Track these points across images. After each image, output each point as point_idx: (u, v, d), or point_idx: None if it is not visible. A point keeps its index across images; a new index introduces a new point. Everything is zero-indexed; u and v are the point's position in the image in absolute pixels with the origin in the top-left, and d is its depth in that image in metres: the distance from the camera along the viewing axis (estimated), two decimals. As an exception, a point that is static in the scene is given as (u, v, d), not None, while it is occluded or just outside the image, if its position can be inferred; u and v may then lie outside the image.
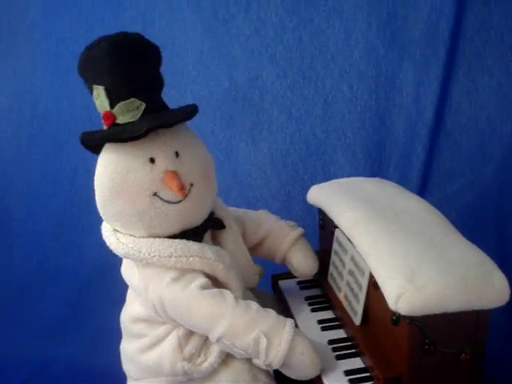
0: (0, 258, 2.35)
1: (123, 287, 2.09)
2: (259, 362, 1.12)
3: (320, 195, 1.47)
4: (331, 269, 1.39)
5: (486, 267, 1.01)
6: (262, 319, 1.12)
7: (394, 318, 1.02)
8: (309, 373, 1.13)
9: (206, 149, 1.24)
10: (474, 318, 1.02)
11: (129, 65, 1.09)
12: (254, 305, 1.16)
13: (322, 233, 1.55)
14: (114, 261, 2.15)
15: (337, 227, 1.35)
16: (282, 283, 1.53)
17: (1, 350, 2.10)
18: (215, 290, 1.16)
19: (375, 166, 1.96)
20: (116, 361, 1.90)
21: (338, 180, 1.56)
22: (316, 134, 2.01)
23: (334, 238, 1.37)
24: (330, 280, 1.40)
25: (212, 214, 1.27)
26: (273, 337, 1.10)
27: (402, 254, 1.06)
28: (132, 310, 1.29)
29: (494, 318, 1.05)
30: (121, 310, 1.98)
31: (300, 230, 1.44)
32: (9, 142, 2.31)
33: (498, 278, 0.99)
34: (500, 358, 1.70)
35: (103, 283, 2.18)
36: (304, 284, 1.51)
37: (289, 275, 1.53)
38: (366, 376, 1.12)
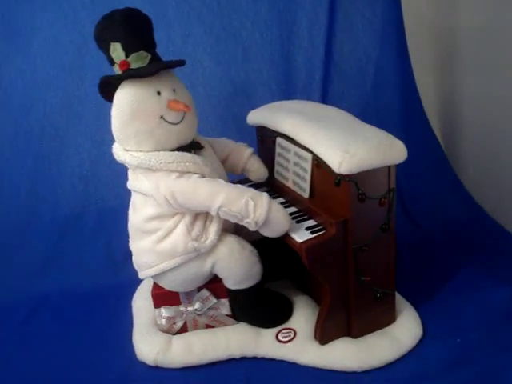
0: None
1: (98, 225, 2.43)
2: (249, 220, 1.54)
3: (259, 115, 1.93)
4: (277, 167, 1.87)
5: (391, 138, 1.53)
6: (247, 190, 1.57)
7: (337, 180, 1.51)
8: (283, 225, 1.57)
9: None
10: (386, 172, 1.52)
11: (137, 28, 1.51)
12: (238, 184, 1.61)
13: (262, 147, 2.02)
14: (87, 202, 2.49)
15: (277, 136, 1.81)
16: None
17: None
18: (209, 178, 1.59)
19: (286, 94, 2.42)
20: (104, 282, 2.22)
21: (268, 104, 2.00)
22: (239, 74, 2.42)
23: (276, 144, 1.83)
24: (276, 176, 1.88)
25: (193, 139, 1.68)
26: (256, 200, 1.54)
27: (335, 138, 1.53)
28: (144, 213, 1.63)
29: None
30: (98, 243, 2.33)
31: (252, 148, 1.91)
32: (-20, 111, 2.44)
33: (399, 144, 1.51)
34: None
35: (79, 223, 2.46)
36: (254, 186, 1.88)
37: (244, 181, 1.97)
38: (320, 228, 1.59)
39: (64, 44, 2.33)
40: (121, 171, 1.72)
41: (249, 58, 2.42)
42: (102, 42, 1.52)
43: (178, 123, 1.58)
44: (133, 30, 1.49)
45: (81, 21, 2.34)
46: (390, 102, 2.51)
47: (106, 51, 1.52)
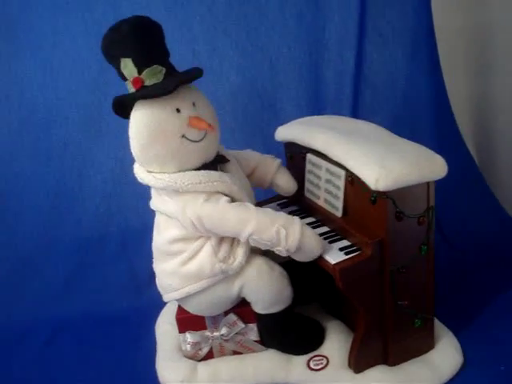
0: (2, 236, 2.43)
1: (121, 246, 2.38)
2: (281, 248, 1.46)
3: (289, 131, 1.85)
4: (307, 185, 1.78)
5: (429, 153, 1.45)
6: (278, 217, 1.48)
7: (373, 198, 1.42)
8: (316, 250, 1.49)
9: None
10: (425, 189, 1.44)
11: (148, 39, 1.40)
12: (268, 208, 1.53)
13: (291, 164, 1.93)
14: (110, 223, 2.44)
15: (307, 152, 1.74)
16: (266, 207, 1.84)
17: (17, 317, 2.17)
18: (238, 203, 1.50)
19: (315, 108, 2.35)
20: (127, 304, 2.17)
21: (297, 120, 1.93)
22: (266, 89, 2.36)
23: (307, 161, 1.75)
24: (306, 194, 1.79)
25: (217, 152, 1.60)
26: (288, 228, 1.45)
27: (370, 153, 1.45)
28: (169, 234, 1.56)
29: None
30: (121, 264, 2.27)
31: (280, 160, 1.82)
32: (0, 129, 2.42)
33: (439, 158, 1.44)
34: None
35: (101, 244, 2.41)
36: (282, 205, 1.89)
37: (269, 201, 1.92)
38: (355, 249, 1.50)
39: (86, 60, 2.30)
40: (144, 191, 1.66)
41: (276, 71, 2.36)
42: (111, 57, 1.43)
43: (200, 140, 1.49)
44: (143, 42, 1.39)
45: (104, 36, 2.30)
46: (422, 115, 2.43)
47: (117, 67, 1.43)
